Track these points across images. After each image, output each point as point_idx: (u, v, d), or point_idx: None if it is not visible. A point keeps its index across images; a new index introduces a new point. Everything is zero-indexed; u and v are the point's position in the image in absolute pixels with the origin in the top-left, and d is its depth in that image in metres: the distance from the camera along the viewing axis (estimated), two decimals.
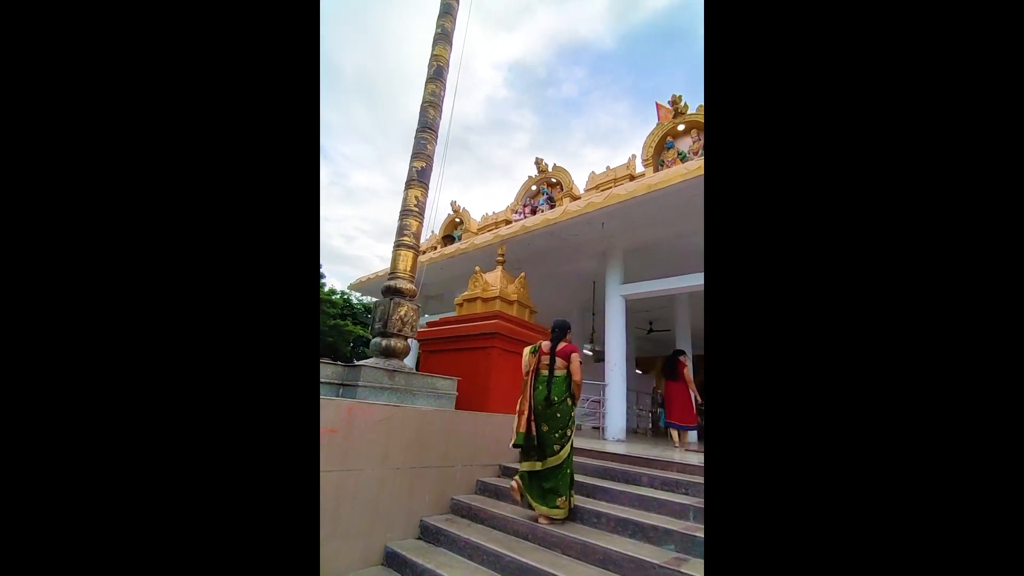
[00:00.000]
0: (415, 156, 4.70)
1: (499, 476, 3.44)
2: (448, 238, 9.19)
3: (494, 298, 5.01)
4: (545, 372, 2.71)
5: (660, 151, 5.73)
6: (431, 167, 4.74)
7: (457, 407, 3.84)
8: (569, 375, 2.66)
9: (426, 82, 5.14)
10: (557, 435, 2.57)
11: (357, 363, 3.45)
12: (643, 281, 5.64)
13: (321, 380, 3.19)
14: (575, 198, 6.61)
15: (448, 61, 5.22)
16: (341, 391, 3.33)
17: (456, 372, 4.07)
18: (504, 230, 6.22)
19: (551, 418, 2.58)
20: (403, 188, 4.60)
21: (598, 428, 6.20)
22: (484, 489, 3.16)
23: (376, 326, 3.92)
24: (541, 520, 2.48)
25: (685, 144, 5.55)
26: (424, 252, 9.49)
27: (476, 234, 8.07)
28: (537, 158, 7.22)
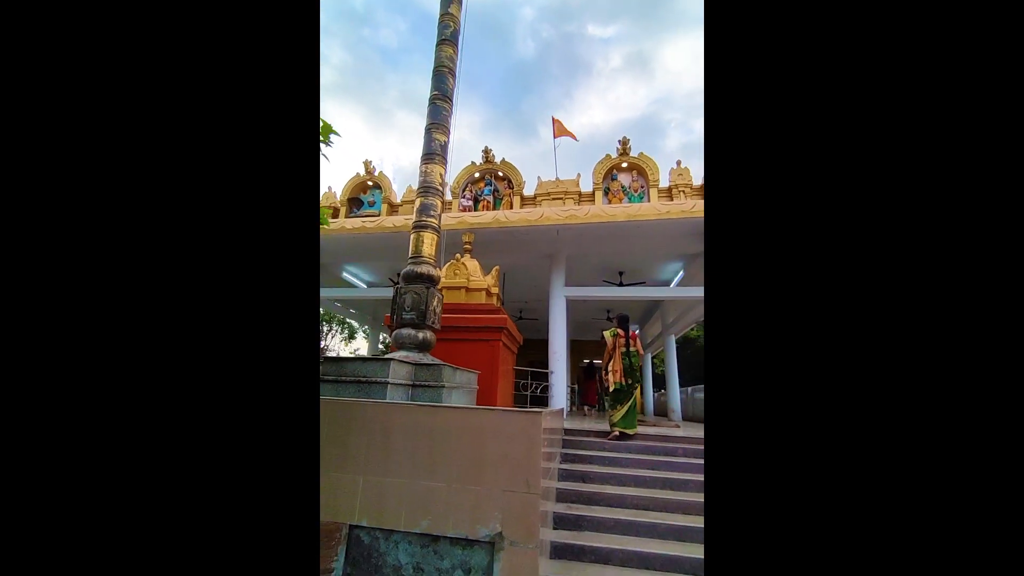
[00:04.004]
0: (436, 127, 4.23)
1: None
2: (355, 201, 7.95)
3: (481, 289, 4.99)
4: (625, 348, 4.47)
5: (607, 179, 6.78)
6: (450, 141, 4.32)
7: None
8: (638, 351, 4.56)
9: (439, 44, 4.59)
10: (637, 388, 4.50)
11: (427, 361, 3.10)
12: (584, 286, 6.63)
13: (393, 381, 2.77)
14: (524, 198, 7.01)
15: (461, 22, 4.78)
16: (412, 393, 2.96)
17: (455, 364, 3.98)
18: (471, 217, 6.08)
19: (636, 377, 4.47)
20: (420, 162, 4.06)
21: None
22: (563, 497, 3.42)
23: (406, 316, 3.50)
24: (615, 431, 4.19)
25: (626, 180, 6.77)
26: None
27: (401, 206, 7.39)
28: (486, 147, 7.20)
